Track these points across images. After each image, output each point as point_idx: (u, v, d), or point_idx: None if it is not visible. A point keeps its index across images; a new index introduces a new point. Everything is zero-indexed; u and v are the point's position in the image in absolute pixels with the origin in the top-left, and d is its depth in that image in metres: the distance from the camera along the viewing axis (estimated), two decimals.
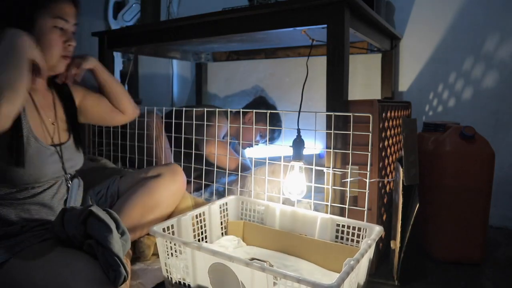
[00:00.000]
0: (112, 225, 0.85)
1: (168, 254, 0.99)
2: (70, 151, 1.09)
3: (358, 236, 1.09)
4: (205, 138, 1.55)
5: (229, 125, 1.80)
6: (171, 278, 1.01)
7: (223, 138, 1.84)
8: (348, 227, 1.11)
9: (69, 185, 1.07)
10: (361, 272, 0.95)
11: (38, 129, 1.02)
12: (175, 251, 0.98)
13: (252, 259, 1.01)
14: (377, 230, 1.03)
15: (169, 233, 1.06)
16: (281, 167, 1.31)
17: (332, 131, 1.16)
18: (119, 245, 0.83)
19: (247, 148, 2.09)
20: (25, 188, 0.98)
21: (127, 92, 1.33)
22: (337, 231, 1.13)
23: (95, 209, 0.85)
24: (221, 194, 1.60)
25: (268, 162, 1.38)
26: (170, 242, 0.98)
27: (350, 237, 1.11)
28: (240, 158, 1.57)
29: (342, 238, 1.12)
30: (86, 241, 0.83)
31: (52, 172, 1.01)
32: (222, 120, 1.79)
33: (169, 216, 1.27)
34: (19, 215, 0.97)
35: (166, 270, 1.01)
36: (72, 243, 0.86)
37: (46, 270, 0.81)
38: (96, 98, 1.27)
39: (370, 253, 0.98)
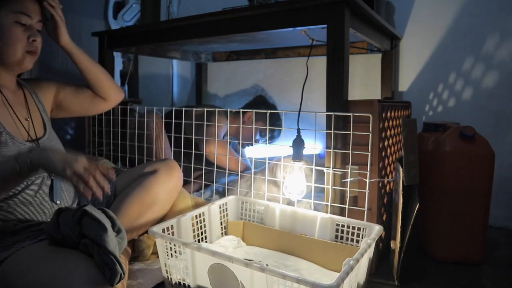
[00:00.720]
0: (107, 224, 0.85)
1: (167, 255, 0.99)
2: (49, 145, 1.09)
3: (358, 235, 1.09)
4: (204, 138, 1.55)
5: (229, 125, 1.80)
6: (171, 278, 1.00)
7: (223, 137, 1.84)
8: (348, 226, 1.11)
9: (52, 177, 1.06)
10: (361, 271, 0.95)
11: (11, 125, 1.02)
12: (175, 252, 0.98)
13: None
14: (376, 229, 1.03)
15: (169, 233, 1.06)
16: (282, 163, 1.31)
17: (332, 131, 1.16)
18: (115, 243, 0.83)
19: (247, 147, 2.09)
20: None
21: (109, 75, 1.31)
22: (337, 230, 1.13)
23: (89, 208, 0.85)
24: (221, 194, 1.60)
25: (268, 162, 1.38)
26: (170, 243, 0.98)
27: (350, 236, 1.11)
28: (240, 158, 1.57)
29: (342, 237, 1.12)
30: (81, 241, 0.83)
31: None
32: (221, 119, 1.79)
33: (168, 214, 1.27)
34: (4, 217, 0.96)
35: (166, 270, 1.01)
36: (67, 244, 0.86)
37: (41, 270, 0.80)
38: (73, 89, 1.26)
39: (370, 253, 0.98)
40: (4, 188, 0.90)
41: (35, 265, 0.82)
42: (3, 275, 0.84)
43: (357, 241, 1.09)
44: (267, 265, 0.82)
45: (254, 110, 1.39)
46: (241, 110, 1.53)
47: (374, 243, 0.99)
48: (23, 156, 0.84)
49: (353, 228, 1.10)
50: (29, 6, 1.03)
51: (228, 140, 1.64)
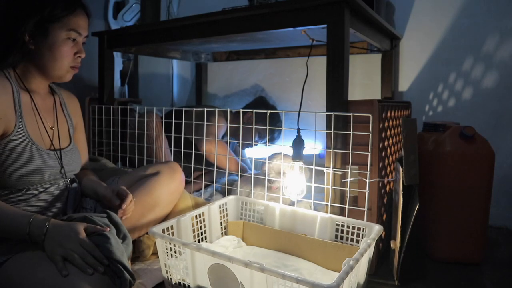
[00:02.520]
0: (112, 230, 0.85)
1: (167, 255, 0.99)
2: (70, 156, 1.09)
3: (358, 235, 1.09)
4: (204, 138, 1.55)
5: (228, 125, 1.80)
6: (171, 279, 1.00)
7: (222, 138, 1.83)
8: (348, 226, 1.11)
9: (68, 188, 1.07)
10: (361, 271, 0.94)
11: (35, 133, 1.01)
12: (175, 252, 0.97)
13: None
14: (376, 229, 1.03)
15: (169, 234, 1.05)
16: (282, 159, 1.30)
17: (332, 131, 1.16)
18: (121, 251, 0.83)
19: (246, 148, 2.09)
20: (20, 190, 0.97)
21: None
22: (337, 230, 1.13)
23: (90, 216, 0.85)
24: (222, 194, 1.60)
25: (269, 163, 1.38)
26: (170, 243, 0.98)
27: (349, 236, 1.11)
28: (240, 158, 1.57)
29: (341, 237, 1.12)
30: None
31: (48, 176, 1.01)
32: (220, 120, 1.79)
33: (168, 215, 1.27)
34: None
35: (166, 271, 1.01)
36: None
37: (45, 272, 0.80)
38: (78, 131, 1.22)
39: (369, 252, 0.98)
40: (5, 235, 0.89)
41: (39, 267, 0.82)
42: (6, 276, 0.84)
43: (357, 241, 1.09)
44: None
45: (254, 110, 1.39)
46: (241, 110, 1.53)
47: (374, 242, 0.99)
48: (38, 226, 0.84)
49: (353, 227, 1.10)
50: (82, 24, 1.03)
51: (228, 141, 1.64)
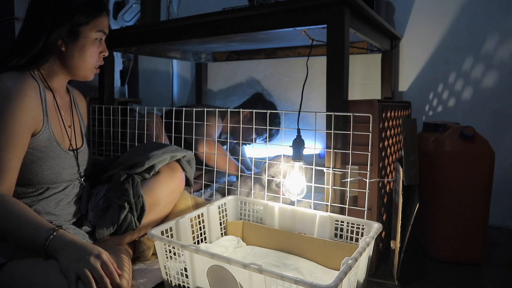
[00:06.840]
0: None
1: (167, 257, 0.99)
2: (83, 156, 1.11)
3: (357, 233, 1.09)
4: (204, 139, 1.55)
5: (227, 124, 1.79)
6: (170, 280, 1.00)
7: (219, 137, 1.83)
8: (347, 224, 1.11)
9: (82, 187, 1.10)
10: (360, 270, 0.94)
11: (58, 132, 1.03)
12: (174, 254, 0.97)
13: None
14: (375, 227, 1.03)
15: (168, 236, 1.05)
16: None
17: (332, 131, 1.15)
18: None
19: (245, 146, 2.09)
20: (40, 188, 0.99)
21: None
22: (336, 229, 1.13)
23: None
24: (222, 194, 1.60)
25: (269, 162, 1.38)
26: (169, 245, 0.98)
27: (349, 235, 1.11)
28: (240, 158, 1.56)
29: (341, 236, 1.12)
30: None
31: (67, 176, 1.04)
32: (214, 119, 1.78)
33: (169, 215, 1.27)
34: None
35: (166, 272, 1.01)
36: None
37: (48, 271, 0.81)
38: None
39: (369, 251, 0.98)
40: (18, 242, 0.89)
41: (41, 268, 0.82)
42: (7, 277, 0.84)
43: (357, 240, 1.09)
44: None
45: (254, 110, 1.39)
46: (241, 110, 1.53)
47: (373, 241, 0.98)
48: (56, 243, 0.83)
49: (352, 226, 1.10)
50: (106, 24, 1.06)
51: (229, 140, 1.64)
